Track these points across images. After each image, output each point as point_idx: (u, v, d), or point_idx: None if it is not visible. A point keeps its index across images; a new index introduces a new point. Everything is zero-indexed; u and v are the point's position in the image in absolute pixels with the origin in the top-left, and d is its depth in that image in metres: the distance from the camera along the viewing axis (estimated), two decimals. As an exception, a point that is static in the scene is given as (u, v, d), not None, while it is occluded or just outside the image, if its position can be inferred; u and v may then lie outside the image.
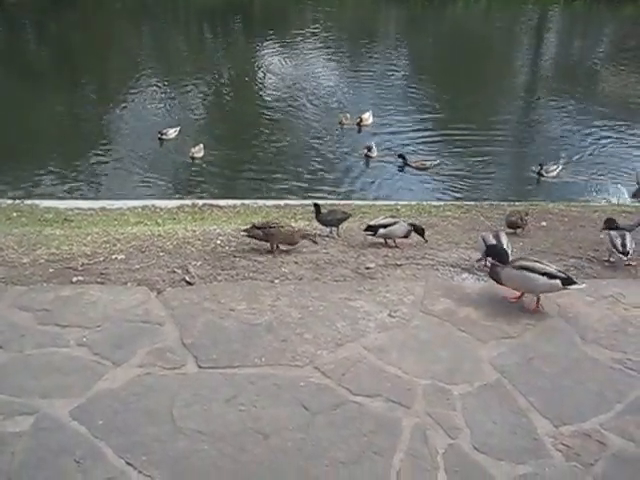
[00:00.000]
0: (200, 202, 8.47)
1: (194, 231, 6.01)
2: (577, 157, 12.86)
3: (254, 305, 4.38)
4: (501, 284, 4.51)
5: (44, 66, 20.28)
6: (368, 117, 14.27)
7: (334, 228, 6.06)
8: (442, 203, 8.56)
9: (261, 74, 18.98)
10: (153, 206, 8.13)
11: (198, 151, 12.02)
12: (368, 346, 3.97)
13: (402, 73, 19.99)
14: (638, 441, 3.27)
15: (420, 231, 5.75)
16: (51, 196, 9.72)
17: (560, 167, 11.74)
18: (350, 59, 21.60)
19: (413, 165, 11.90)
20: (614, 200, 9.93)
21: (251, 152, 12.55)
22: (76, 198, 9.87)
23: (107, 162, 11.94)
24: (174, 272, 4.87)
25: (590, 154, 13.09)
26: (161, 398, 3.44)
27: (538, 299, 4.49)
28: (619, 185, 11.33)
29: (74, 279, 4.71)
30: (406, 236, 5.70)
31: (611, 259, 5.40)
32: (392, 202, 8.86)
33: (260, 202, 8.61)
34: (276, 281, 4.80)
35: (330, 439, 3.20)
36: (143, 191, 10.52)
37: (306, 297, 4.53)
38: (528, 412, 3.45)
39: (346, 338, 4.04)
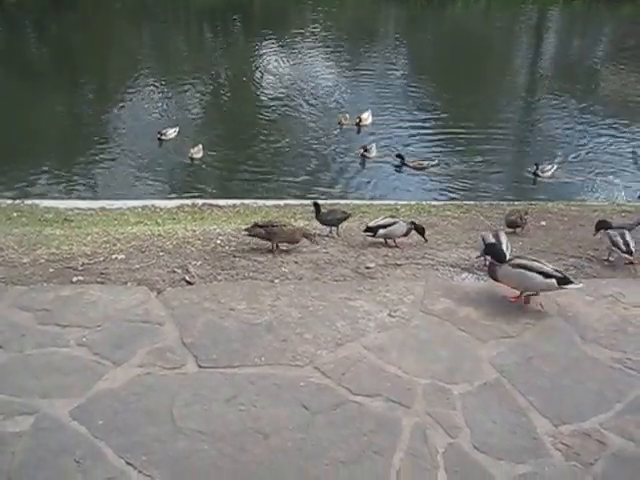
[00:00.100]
0: (200, 202, 8.47)
1: (194, 231, 6.01)
2: (576, 156, 12.86)
3: (254, 305, 4.38)
4: (498, 282, 4.55)
5: (44, 66, 20.28)
6: (367, 117, 14.27)
7: (334, 228, 6.06)
8: (442, 203, 8.57)
9: (260, 74, 18.98)
10: (153, 206, 8.13)
11: (197, 152, 12.00)
12: (368, 346, 3.97)
13: (401, 73, 19.99)
14: (638, 440, 3.28)
15: (420, 230, 5.76)
16: (51, 196, 9.73)
17: (555, 167, 11.75)
18: (349, 59, 21.59)
19: (410, 165, 11.93)
20: (614, 199, 9.93)
21: (250, 152, 12.55)
22: (76, 198, 9.88)
23: (106, 162, 11.94)
24: (174, 272, 4.87)
25: (589, 153, 13.10)
26: (161, 398, 3.44)
27: (527, 296, 4.51)
28: (618, 184, 11.33)
29: (74, 279, 4.71)
30: (406, 235, 5.70)
31: (610, 258, 5.41)
32: (392, 202, 8.86)
33: (260, 202, 8.61)
34: (276, 281, 4.80)
35: (330, 439, 3.20)
36: (142, 191, 10.52)
37: (306, 297, 4.53)
38: (528, 411, 3.45)
39: (346, 338, 4.04)
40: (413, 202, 8.43)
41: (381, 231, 5.62)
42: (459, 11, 33.51)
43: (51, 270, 4.86)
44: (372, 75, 19.01)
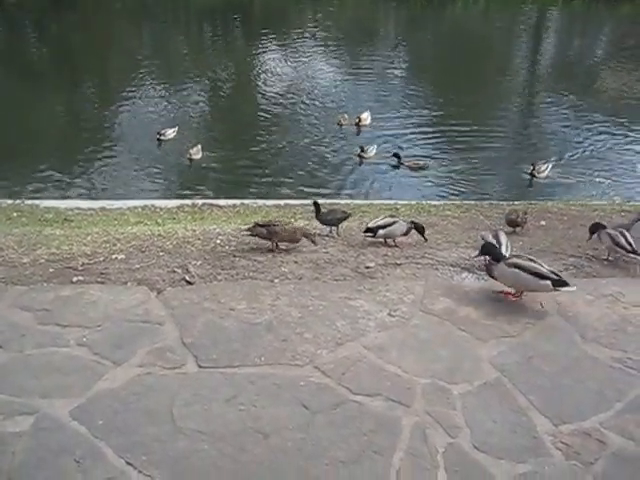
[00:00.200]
0: (200, 202, 8.47)
1: (194, 231, 6.01)
2: (576, 156, 12.85)
3: (254, 304, 4.38)
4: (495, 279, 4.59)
5: (44, 66, 20.28)
6: (367, 117, 14.26)
7: (334, 227, 6.06)
8: (442, 202, 8.56)
9: (260, 74, 18.97)
10: (153, 206, 8.13)
11: (196, 152, 11.96)
12: (368, 345, 3.97)
13: (401, 73, 19.99)
14: (638, 440, 3.28)
15: (420, 229, 5.76)
16: (51, 196, 9.72)
17: (550, 167, 11.74)
18: (349, 59, 21.60)
19: (406, 164, 11.94)
20: (613, 199, 9.93)
21: (250, 153, 12.54)
22: (76, 198, 9.86)
23: (106, 162, 11.92)
24: (174, 272, 4.87)
25: (588, 153, 13.09)
26: (161, 398, 3.44)
27: (520, 293, 4.56)
28: (617, 183, 11.34)
29: (74, 279, 4.71)
30: (406, 234, 5.70)
31: (610, 258, 5.41)
32: (391, 201, 8.87)
33: (260, 202, 8.62)
34: (276, 280, 4.80)
35: (330, 438, 3.20)
36: (141, 191, 10.52)
37: (306, 296, 4.53)
38: (528, 411, 3.45)
39: (346, 337, 4.04)
40: (413, 202, 8.44)
41: (381, 231, 5.61)
42: (459, 11, 33.52)
43: (51, 270, 4.86)
44: (372, 75, 19.01)
